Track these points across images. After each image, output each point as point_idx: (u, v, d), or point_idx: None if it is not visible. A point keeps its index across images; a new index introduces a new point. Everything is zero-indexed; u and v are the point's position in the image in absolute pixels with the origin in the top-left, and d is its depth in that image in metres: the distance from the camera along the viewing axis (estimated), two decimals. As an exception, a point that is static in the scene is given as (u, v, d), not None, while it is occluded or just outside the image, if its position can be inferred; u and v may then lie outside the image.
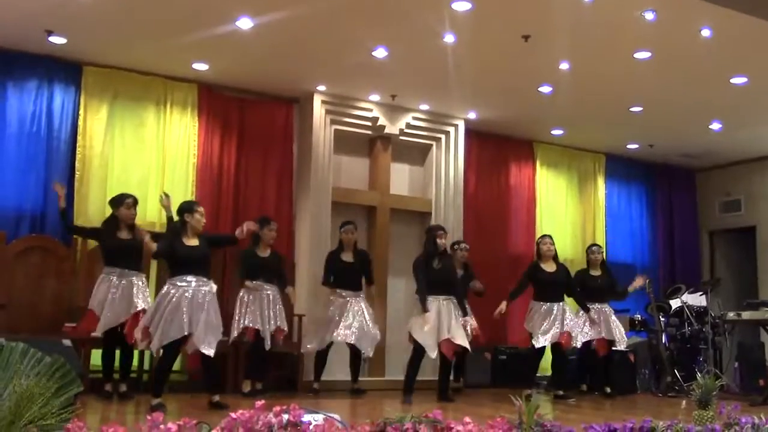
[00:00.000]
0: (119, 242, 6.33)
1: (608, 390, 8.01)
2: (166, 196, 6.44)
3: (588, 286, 8.11)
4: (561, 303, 7.70)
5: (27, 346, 2.58)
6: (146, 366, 7.13)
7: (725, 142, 9.81)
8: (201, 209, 6.00)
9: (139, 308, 6.17)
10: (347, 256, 7.47)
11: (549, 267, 7.77)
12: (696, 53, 6.86)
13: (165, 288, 5.72)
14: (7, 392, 2.34)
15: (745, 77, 7.46)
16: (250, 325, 6.76)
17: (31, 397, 2.28)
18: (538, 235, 9.81)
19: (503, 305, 7.55)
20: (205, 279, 5.79)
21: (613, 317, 8.10)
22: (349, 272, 7.44)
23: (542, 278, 7.72)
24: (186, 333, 5.56)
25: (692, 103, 8.33)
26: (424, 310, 6.78)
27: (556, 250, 7.89)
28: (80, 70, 7.42)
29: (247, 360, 7.05)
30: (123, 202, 6.40)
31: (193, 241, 5.87)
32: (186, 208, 5.97)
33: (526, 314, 7.84)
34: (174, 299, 5.59)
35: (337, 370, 7.73)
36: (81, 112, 7.37)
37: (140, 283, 6.35)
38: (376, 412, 5.74)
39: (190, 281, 5.69)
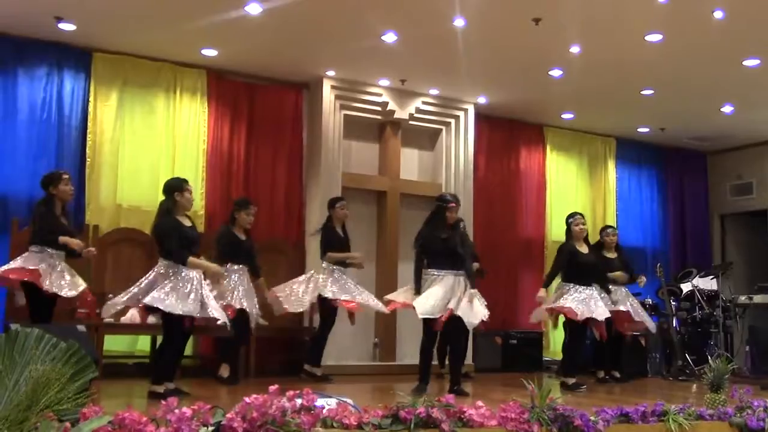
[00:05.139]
0: (61, 225, 5.93)
1: (617, 374, 7.95)
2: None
3: (603, 268, 7.77)
4: (594, 287, 7.22)
5: (42, 332, 2.60)
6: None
7: (737, 125, 9.75)
8: (190, 187, 5.77)
9: (83, 288, 5.94)
10: (341, 231, 7.33)
11: (582, 248, 7.27)
12: (708, 35, 6.80)
13: (163, 269, 5.47)
14: (23, 377, 2.36)
15: (757, 59, 7.40)
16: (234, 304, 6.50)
17: (47, 382, 2.31)
18: (549, 219, 9.84)
19: (542, 293, 7.13)
20: None
21: (632, 299, 7.91)
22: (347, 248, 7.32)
23: (580, 260, 7.16)
24: (196, 315, 5.42)
25: (704, 85, 8.27)
26: (416, 291, 6.21)
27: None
28: (90, 57, 7.43)
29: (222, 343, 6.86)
30: (61, 178, 5.96)
31: (187, 221, 5.71)
32: (175, 186, 5.70)
33: (557, 295, 7.21)
34: (178, 279, 5.40)
35: (347, 354, 7.77)
36: (91, 98, 7.39)
37: (65, 265, 5.95)
38: (389, 396, 5.76)
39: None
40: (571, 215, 7.44)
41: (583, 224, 7.30)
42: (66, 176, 6.00)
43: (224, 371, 6.67)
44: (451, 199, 6.41)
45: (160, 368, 5.61)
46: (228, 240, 6.72)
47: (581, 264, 7.15)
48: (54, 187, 5.90)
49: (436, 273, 6.18)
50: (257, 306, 6.72)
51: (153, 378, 5.54)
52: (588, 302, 6.95)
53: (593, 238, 9.09)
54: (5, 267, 5.82)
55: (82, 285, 5.92)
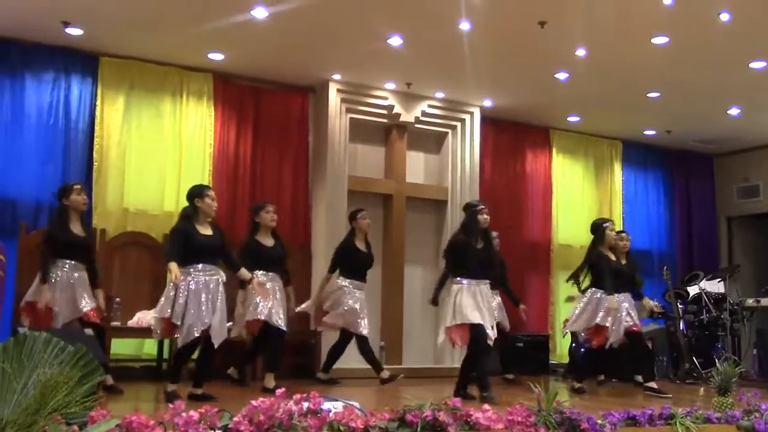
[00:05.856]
0: (73, 236, 5.95)
1: (639, 378, 7.67)
2: None
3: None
4: (623, 295, 7.02)
5: (50, 336, 2.61)
6: (165, 355, 7.19)
7: (744, 127, 9.72)
8: (212, 193, 5.78)
9: (87, 309, 5.88)
10: (361, 245, 7.27)
11: (612, 255, 7.09)
12: (714, 38, 6.79)
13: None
14: (31, 381, 2.37)
15: (764, 62, 7.38)
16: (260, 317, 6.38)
17: (55, 385, 2.31)
18: (555, 222, 9.82)
19: (582, 297, 7.05)
20: (215, 268, 5.60)
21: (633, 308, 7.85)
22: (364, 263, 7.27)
23: (614, 268, 6.98)
24: (208, 324, 5.40)
25: (710, 88, 8.25)
26: (433, 299, 6.31)
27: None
28: (97, 61, 7.46)
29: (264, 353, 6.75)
30: (72, 189, 6.00)
31: (206, 230, 5.65)
32: (196, 192, 5.71)
33: (584, 303, 7.06)
34: (191, 288, 5.38)
35: (354, 357, 7.74)
36: (98, 102, 7.42)
37: (85, 280, 6.00)
38: (395, 399, 5.76)
39: (200, 270, 5.48)
40: (606, 220, 7.33)
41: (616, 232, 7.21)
42: (78, 187, 6.09)
43: (233, 372, 6.72)
44: (479, 203, 6.38)
45: (174, 369, 5.67)
46: (246, 250, 6.52)
47: (614, 272, 6.98)
48: (66, 198, 6.01)
49: (459, 282, 6.05)
50: (282, 315, 6.46)
51: (171, 378, 5.57)
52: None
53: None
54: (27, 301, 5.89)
55: (87, 306, 5.91)
